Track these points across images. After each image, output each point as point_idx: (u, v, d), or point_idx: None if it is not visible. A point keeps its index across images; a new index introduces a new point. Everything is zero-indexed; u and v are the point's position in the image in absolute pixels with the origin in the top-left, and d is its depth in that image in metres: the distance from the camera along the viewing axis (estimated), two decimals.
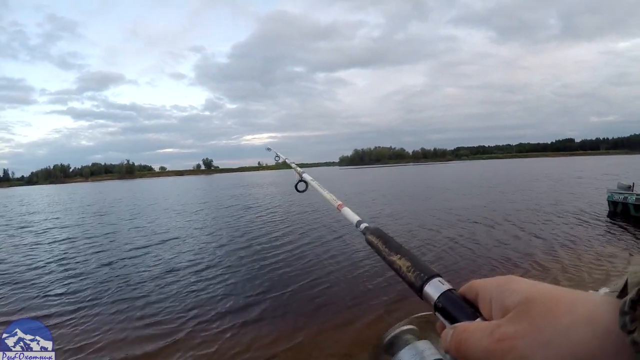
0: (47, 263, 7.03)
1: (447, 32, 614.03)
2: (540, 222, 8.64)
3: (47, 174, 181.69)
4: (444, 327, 0.30)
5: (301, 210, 12.65)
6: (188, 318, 4.13)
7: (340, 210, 0.65)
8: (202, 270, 6.01)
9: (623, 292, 0.22)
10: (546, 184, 19.11)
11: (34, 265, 6.87)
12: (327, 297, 4.59)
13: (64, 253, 7.87)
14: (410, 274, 0.37)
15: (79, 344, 3.62)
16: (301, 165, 1.08)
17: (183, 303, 4.58)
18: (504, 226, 8.40)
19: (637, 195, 8.58)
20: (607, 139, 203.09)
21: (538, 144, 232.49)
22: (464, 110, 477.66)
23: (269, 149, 1.50)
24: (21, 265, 6.92)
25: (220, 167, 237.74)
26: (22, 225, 13.38)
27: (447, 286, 0.33)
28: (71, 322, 4.18)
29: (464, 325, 0.28)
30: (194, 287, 5.16)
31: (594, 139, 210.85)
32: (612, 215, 9.09)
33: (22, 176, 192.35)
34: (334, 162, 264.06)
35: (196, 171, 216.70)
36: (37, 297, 5.10)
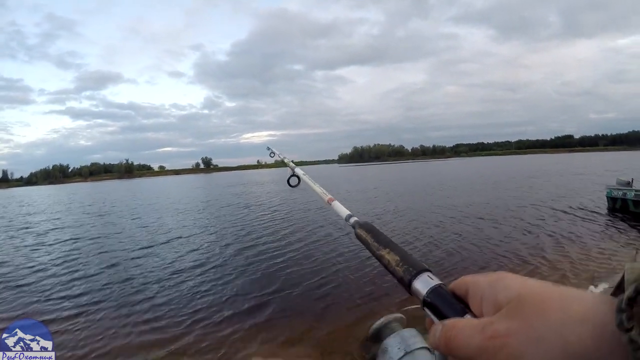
0: (48, 265, 6.93)
1: (447, 30, 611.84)
2: (538, 218, 8.61)
3: (46, 174, 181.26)
4: (432, 323, 0.29)
5: (304, 208, 12.58)
6: (195, 320, 4.05)
7: (330, 204, 0.66)
8: (207, 270, 5.92)
9: (619, 288, 0.21)
10: (544, 180, 19.05)
11: (35, 268, 6.77)
12: (335, 296, 4.52)
13: (66, 255, 7.76)
14: (398, 268, 0.36)
15: (82, 350, 3.53)
16: (300, 164, 1.08)
17: (189, 304, 4.49)
18: (502, 221, 8.36)
19: (636, 191, 8.54)
20: (606, 135, 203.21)
21: (537, 140, 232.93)
22: (464, 108, 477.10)
23: (268, 149, 1.52)
24: (23, 268, 6.82)
25: (220, 166, 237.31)
26: (23, 226, 13.26)
27: (436, 281, 0.32)
28: (74, 326, 4.08)
29: (453, 321, 0.27)
30: (200, 288, 5.07)
31: (592, 135, 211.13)
32: (611, 211, 9.06)
33: (21, 177, 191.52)
34: (333, 159, 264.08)
35: (195, 170, 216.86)
36: (38, 300, 5.00)
